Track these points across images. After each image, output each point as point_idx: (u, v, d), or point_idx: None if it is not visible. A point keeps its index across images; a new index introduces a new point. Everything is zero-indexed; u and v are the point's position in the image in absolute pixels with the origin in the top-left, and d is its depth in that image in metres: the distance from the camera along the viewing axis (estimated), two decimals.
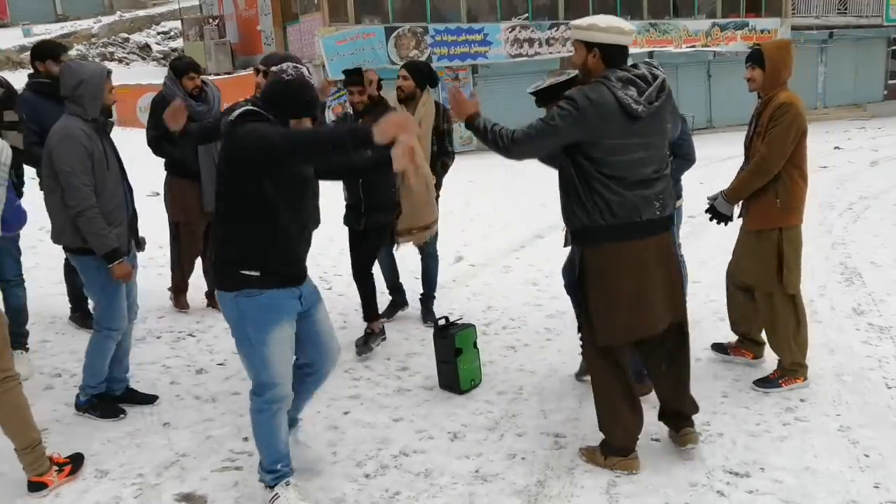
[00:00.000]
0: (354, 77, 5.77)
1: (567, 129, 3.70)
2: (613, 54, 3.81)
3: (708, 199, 5.18)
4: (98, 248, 4.36)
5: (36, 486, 3.89)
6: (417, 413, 4.82)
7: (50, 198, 4.44)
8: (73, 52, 26.12)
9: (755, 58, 4.84)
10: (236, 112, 3.54)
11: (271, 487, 3.72)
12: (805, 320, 5.03)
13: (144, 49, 28.70)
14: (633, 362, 4.25)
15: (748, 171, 4.84)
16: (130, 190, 4.73)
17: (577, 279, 4.05)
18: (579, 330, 4.53)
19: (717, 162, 16.33)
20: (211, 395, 5.07)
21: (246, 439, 4.46)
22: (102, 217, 4.35)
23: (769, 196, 4.80)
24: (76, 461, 4.08)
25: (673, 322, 4.08)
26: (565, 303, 5.68)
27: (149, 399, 4.98)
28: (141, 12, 31.51)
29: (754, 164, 4.79)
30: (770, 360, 5.25)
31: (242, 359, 3.72)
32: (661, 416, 4.31)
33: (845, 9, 30.12)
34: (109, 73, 4.54)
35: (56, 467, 3.97)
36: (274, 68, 3.68)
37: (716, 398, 4.88)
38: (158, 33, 30.21)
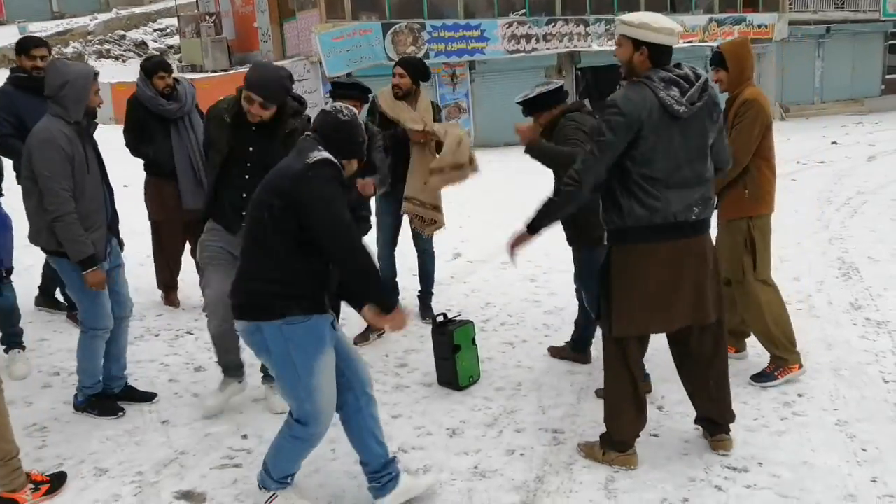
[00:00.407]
0: (350, 91, 5.63)
1: (621, 137, 3.69)
2: (662, 54, 3.80)
3: None
4: (73, 255, 4.30)
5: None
6: (416, 409, 4.83)
7: (28, 199, 4.36)
8: (68, 50, 26.12)
9: (717, 60, 4.92)
10: (314, 158, 3.41)
11: (267, 489, 3.69)
12: (783, 304, 5.07)
13: (141, 46, 28.65)
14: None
15: None
16: (111, 192, 4.67)
17: (602, 271, 4.04)
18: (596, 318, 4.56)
19: None
20: (210, 393, 5.06)
21: (245, 437, 4.48)
22: (81, 220, 4.29)
23: (738, 188, 4.90)
24: (56, 480, 3.91)
25: (697, 324, 4.03)
26: (563, 299, 5.70)
27: (148, 396, 4.98)
28: (137, 9, 31.47)
29: None
30: (759, 354, 5.26)
31: (285, 390, 3.60)
32: (697, 420, 4.32)
33: (842, 3, 30.13)
34: (96, 74, 4.43)
35: (32, 485, 3.80)
36: (327, 107, 3.63)
37: None
38: (155, 30, 30.17)
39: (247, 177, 4.49)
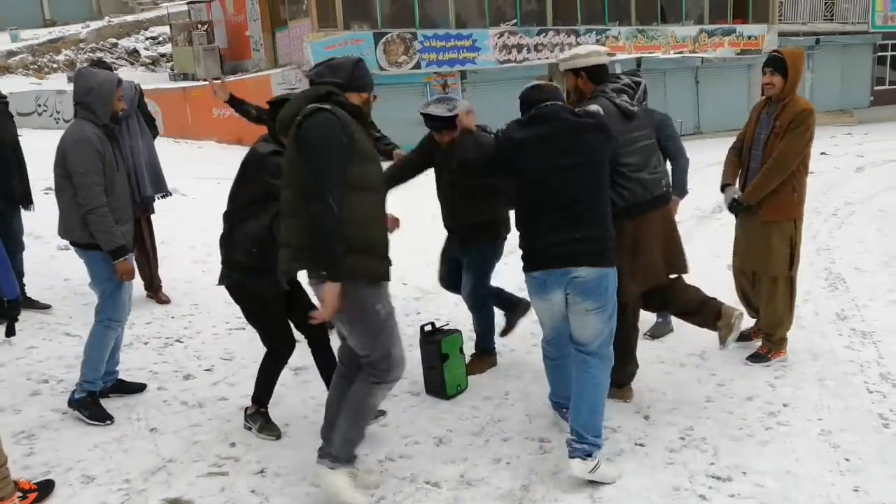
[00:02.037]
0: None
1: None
2: (598, 72, 4.65)
3: (734, 200, 5.50)
4: (105, 245, 4.56)
5: None
6: (404, 418, 4.85)
7: (61, 196, 4.65)
8: (60, 57, 26.12)
9: (777, 64, 5.22)
10: None
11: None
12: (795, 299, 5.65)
13: (133, 54, 28.64)
14: None
15: (767, 170, 5.23)
16: (134, 192, 5.00)
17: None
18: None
19: (705, 167, 16.39)
20: (198, 401, 5.09)
21: (233, 445, 4.49)
22: (111, 215, 4.55)
23: (787, 190, 5.27)
24: (44, 489, 3.94)
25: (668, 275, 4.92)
26: None
27: (138, 388, 5.17)
28: (129, 17, 31.45)
29: (773, 163, 5.21)
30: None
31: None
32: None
33: (831, 15, 30.28)
34: (120, 81, 4.75)
35: (20, 493, 3.82)
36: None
37: (699, 403, 4.94)
38: (147, 38, 30.15)
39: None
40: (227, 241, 4.41)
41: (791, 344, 5.66)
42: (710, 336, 5.99)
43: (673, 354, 5.77)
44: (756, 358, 5.52)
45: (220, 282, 4.47)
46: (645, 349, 5.84)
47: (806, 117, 5.18)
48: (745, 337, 5.83)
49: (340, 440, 3.82)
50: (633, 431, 4.58)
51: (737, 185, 5.56)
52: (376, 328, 3.72)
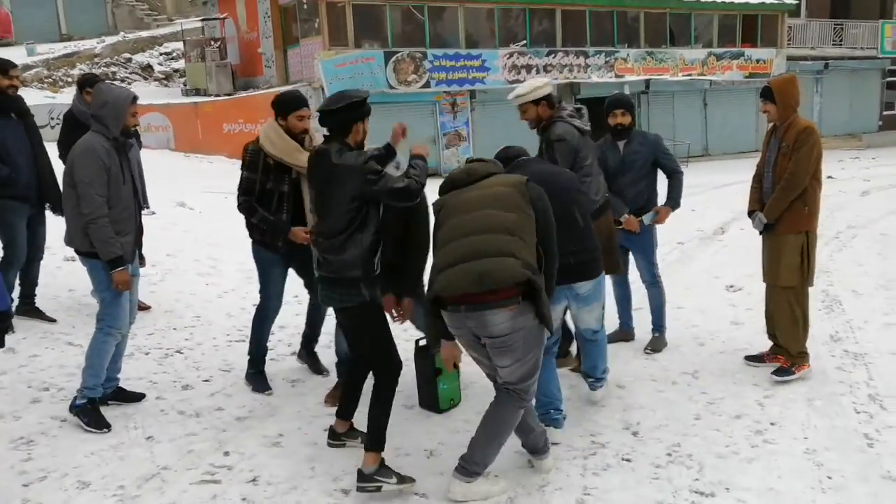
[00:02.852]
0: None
1: (569, 159, 5.32)
2: (552, 99, 5.46)
3: (759, 221, 5.73)
4: (103, 255, 4.70)
5: None
6: (396, 431, 4.90)
7: (67, 204, 4.82)
8: (75, 72, 26.35)
9: (766, 94, 5.58)
10: None
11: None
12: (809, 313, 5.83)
13: (146, 69, 28.91)
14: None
15: (780, 190, 5.51)
16: (139, 206, 5.17)
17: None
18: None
19: (710, 189, 16.50)
20: (195, 411, 5.18)
21: (227, 454, 4.58)
22: (113, 225, 4.71)
23: (798, 205, 5.52)
24: None
25: None
26: None
27: (137, 397, 5.29)
28: (144, 33, 31.73)
29: (785, 182, 5.47)
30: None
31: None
32: None
33: (840, 40, 30.41)
34: (135, 98, 4.90)
35: None
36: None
37: (688, 420, 5.00)
38: (161, 54, 30.42)
39: None
40: (338, 263, 4.19)
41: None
42: (703, 355, 6.13)
43: (665, 373, 5.84)
44: (781, 372, 5.62)
45: (341, 304, 4.30)
46: (638, 367, 5.94)
47: (809, 135, 5.44)
48: (757, 358, 5.94)
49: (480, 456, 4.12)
50: (621, 447, 4.65)
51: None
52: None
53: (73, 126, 6.54)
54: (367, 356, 4.40)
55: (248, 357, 5.66)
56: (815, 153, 5.49)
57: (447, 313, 4.00)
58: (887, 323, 6.95)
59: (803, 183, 5.46)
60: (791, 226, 5.56)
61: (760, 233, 5.78)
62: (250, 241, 5.46)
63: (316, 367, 5.93)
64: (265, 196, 5.27)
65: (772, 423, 4.94)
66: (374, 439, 4.18)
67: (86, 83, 6.82)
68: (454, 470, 4.10)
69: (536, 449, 4.40)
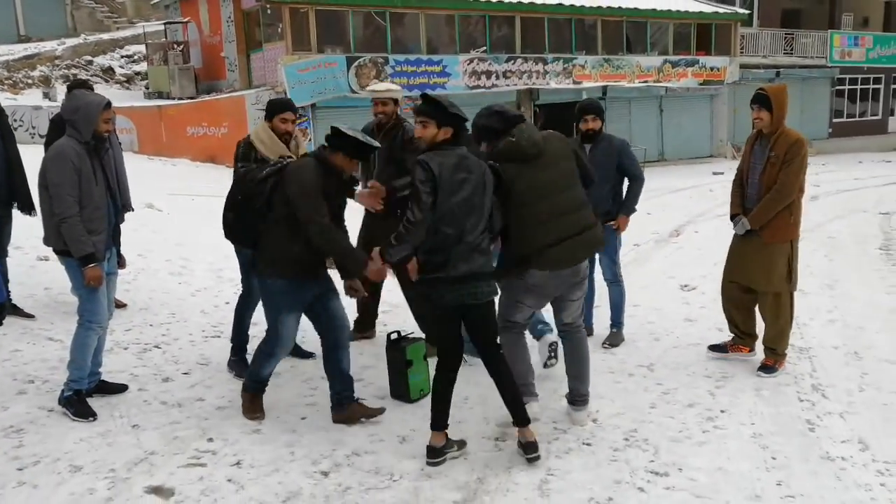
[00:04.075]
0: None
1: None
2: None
3: (742, 226, 5.95)
4: (75, 252, 4.90)
5: None
6: (370, 419, 5.19)
7: (42, 206, 5.01)
8: (35, 73, 26.24)
9: (762, 101, 5.70)
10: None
11: None
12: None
13: (108, 72, 28.77)
14: None
15: (769, 200, 5.73)
16: (117, 207, 5.33)
17: None
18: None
19: (667, 193, 16.96)
20: (177, 401, 5.39)
21: (210, 440, 4.81)
22: (86, 224, 4.90)
23: (785, 215, 5.76)
24: None
25: None
26: None
27: (120, 388, 5.49)
28: (105, 36, 31.51)
29: (776, 193, 5.69)
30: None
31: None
32: None
33: (791, 49, 31.20)
34: (108, 105, 5.07)
35: None
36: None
37: (644, 409, 5.34)
38: (122, 56, 30.26)
39: None
40: (483, 259, 4.58)
41: (734, 361, 6.19)
42: (659, 349, 6.49)
43: (623, 365, 6.18)
44: (765, 369, 5.94)
45: (487, 297, 4.63)
46: (597, 360, 6.23)
47: (799, 148, 5.67)
48: (720, 349, 6.29)
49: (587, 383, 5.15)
50: (582, 433, 4.97)
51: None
52: None
53: (61, 130, 6.66)
54: (493, 342, 4.78)
55: (230, 345, 5.95)
56: (804, 166, 5.74)
57: (549, 274, 4.77)
58: (831, 320, 7.37)
59: (792, 195, 5.69)
60: (778, 235, 5.79)
61: (744, 235, 5.96)
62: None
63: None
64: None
65: (722, 411, 5.29)
66: (444, 419, 4.64)
67: (75, 88, 6.88)
68: (572, 406, 5.14)
69: (528, 390, 5.04)
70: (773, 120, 5.69)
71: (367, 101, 21.33)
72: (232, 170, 5.90)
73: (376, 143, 4.96)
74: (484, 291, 4.58)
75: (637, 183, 6.51)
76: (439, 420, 4.59)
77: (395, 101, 6.12)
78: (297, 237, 4.72)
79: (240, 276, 6.03)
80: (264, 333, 5.07)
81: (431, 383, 4.82)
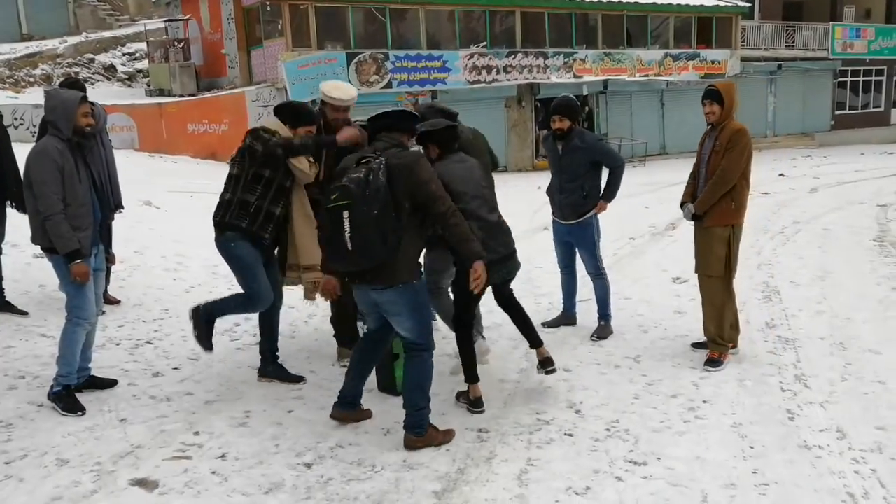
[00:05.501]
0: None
1: None
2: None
3: (688, 211, 6.20)
4: (61, 248, 4.97)
5: None
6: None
7: (28, 204, 5.09)
8: (37, 72, 26.36)
9: (714, 96, 5.98)
10: None
11: None
12: (735, 300, 6.18)
13: (109, 70, 28.88)
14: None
15: (712, 184, 5.92)
16: (103, 203, 5.46)
17: None
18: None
19: (665, 187, 16.96)
20: (166, 396, 5.47)
21: (197, 433, 4.88)
22: (70, 221, 4.96)
23: (726, 200, 5.93)
24: None
25: None
26: (500, 316, 6.15)
27: (109, 383, 5.55)
28: (107, 34, 31.62)
29: (717, 178, 5.89)
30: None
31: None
32: None
33: (793, 42, 31.18)
34: (84, 99, 5.12)
35: None
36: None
37: (627, 400, 5.39)
38: (124, 54, 30.36)
39: None
40: (509, 239, 5.28)
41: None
42: (646, 341, 6.54)
43: (609, 357, 6.24)
44: (711, 363, 5.97)
45: (516, 272, 5.45)
46: (584, 353, 6.34)
47: (741, 136, 5.87)
48: (702, 345, 6.30)
49: None
50: (564, 423, 5.03)
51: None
52: None
53: None
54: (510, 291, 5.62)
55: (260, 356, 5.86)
56: (746, 154, 5.90)
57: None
58: (819, 311, 7.41)
59: (733, 180, 5.85)
60: (718, 219, 5.95)
61: (690, 220, 6.18)
62: (231, 242, 5.40)
63: (288, 377, 5.81)
64: (253, 181, 5.35)
65: (704, 401, 5.35)
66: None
67: (64, 86, 6.97)
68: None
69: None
70: (724, 113, 5.94)
71: (366, 97, 21.44)
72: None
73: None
74: (510, 270, 5.34)
75: (617, 170, 6.68)
76: (476, 373, 5.26)
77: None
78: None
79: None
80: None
81: (458, 348, 5.30)
